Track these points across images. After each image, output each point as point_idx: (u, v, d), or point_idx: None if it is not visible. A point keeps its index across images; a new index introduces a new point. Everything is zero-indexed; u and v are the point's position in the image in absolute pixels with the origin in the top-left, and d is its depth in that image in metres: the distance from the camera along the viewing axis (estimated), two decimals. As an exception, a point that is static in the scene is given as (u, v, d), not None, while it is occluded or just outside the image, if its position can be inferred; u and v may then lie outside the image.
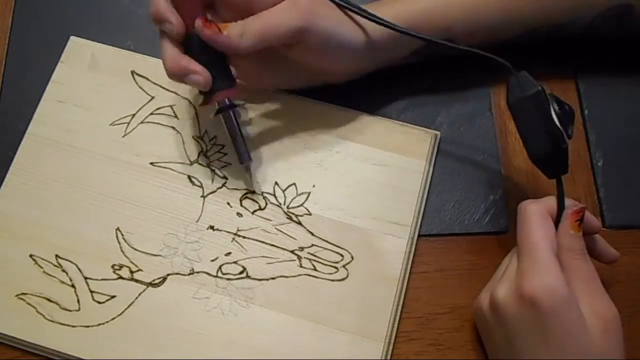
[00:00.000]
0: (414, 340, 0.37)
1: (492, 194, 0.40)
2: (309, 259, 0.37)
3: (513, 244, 0.36)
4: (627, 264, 0.38)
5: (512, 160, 0.41)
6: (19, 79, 0.42)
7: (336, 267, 0.37)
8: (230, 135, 0.37)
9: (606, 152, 0.41)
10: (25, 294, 0.37)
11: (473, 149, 0.41)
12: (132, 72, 0.42)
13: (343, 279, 0.37)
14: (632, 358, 0.35)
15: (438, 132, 0.41)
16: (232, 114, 0.37)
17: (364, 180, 0.39)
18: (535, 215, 0.33)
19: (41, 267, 0.37)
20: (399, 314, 0.37)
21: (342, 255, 0.37)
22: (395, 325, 0.36)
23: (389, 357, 0.36)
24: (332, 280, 0.37)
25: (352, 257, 0.37)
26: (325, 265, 0.37)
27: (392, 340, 0.36)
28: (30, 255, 0.38)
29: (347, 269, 0.37)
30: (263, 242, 0.38)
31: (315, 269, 0.37)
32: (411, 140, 0.40)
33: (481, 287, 0.36)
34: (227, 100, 0.37)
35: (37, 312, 0.36)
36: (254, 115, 0.41)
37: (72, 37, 0.43)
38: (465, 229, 0.39)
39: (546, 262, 0.31)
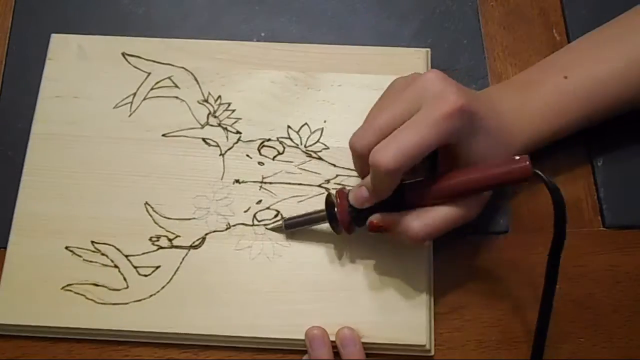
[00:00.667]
0: None
1: (492, 194, 0.39)
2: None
3: (513, 244, 0.38)
4: (627, 263, 0.38)
5: None
6: (18, 79, 0.42)
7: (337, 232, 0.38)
8: (307, 216, 0.37)
9: (606, 152, 0.40)
10: (70, 284, 0.37)
11: None
12: (123, 54, 0.42)
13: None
14: (633, 358, 0.36)
15: (428, 49, 0.42)
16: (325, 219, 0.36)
17: (370, 106, 0.40)
18: None
19: (80, 256, 0.38)
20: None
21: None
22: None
23: (432, 261, 0.38)
24: (365, 205, 0.38)
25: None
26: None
27: (431, 247, 0.38)
28: (66, 248, 0.38)
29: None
30: (289, 183, 0.39)
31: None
32: (405, 61, 0.41)
33: (481, 287, 0.37)
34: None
35: (87, 298, 0.37)
36: (252, 68, 0.41)
37: (53, 35, 0.43)
38: (465, 229, 0.38)
39: None
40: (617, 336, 0.37)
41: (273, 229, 0.38)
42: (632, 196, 0.39)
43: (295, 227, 0.37)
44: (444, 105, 0.31)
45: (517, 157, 0.32)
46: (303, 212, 0.37)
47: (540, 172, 0.31)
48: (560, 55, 0.39)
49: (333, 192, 0.36)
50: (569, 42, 0.43)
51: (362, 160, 0.33)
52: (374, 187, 0.32)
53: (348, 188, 0.36)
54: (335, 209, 0.34)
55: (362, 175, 0.35)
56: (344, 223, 0.35)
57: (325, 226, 0.36)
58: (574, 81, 0.36)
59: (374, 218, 0.33)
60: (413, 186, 0.33)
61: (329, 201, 0.35)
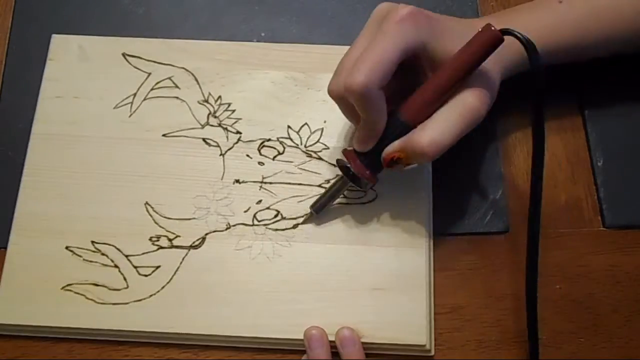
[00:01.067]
0: None
1: (492, 194, 0.40)
2: (337, 189, 0.39)
3: (513, 244, 0.38)
4: (627, 263, 0.38)
5: (512, 160, 0.41)
6: (18, 79, 0.42)
7: (364, 191, 0.39)
8: (329, 191, 0.37)
9: (606, 152, 0.40)
10: (70, 284, 0.37)
11: (473, 149, 0.40)
12: (124, 55, 0.42)
13: (373, 200, 0.38)
14: (633, 358, 0.36)
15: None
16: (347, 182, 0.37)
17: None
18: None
19: (80, 256, 0.38)
20: (431, 220, 0.38)
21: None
22: (431, 230, 0.38)
23: (431, 260, 0.38)
24: (363, 204, 0.38)
25: (377, 178, 0.39)
26: (353, 191, 0.39)
27: (431, 246, 0.38)
28: (67, 247, 0.38)
29: (374, 190, 0.39)
30: (289, 183, 0.39)
31: (345, 197, 0.38)
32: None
33: (481, 287, 0.37)
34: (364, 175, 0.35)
35: (87, 298, 0.37)
36: (252, 68, 0.42)
37: (53, 35, 0.43)
38: (465, 229, 0.39)
39: None
40: (617, 336, 0.37)
41: (305, 222, 0.38)
42: (632, 196, 0.39)
43: (324, 208, 0.37)
44: (394, 15, 0.32)
45: (481, 29, 0.32)
46: (297, 199, 0.38)
47: (511, 29, 0.31)
48: None
49: (341, 157, 0.36)
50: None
51: (345, 104, 0.34)
52: (364, 120, 0.33)
53: (349, 148, 0.36)
54: (350, 167, 0.35)
55: (355, 121, 0.35)
56: (364, 175, 0.35)
57: (326, 224, 0.36)
58: (568, 6, 0.36)
59: (384, 153, 0.34)
60: (405, 106, 0.33)
61: (341, 165, 0.36)
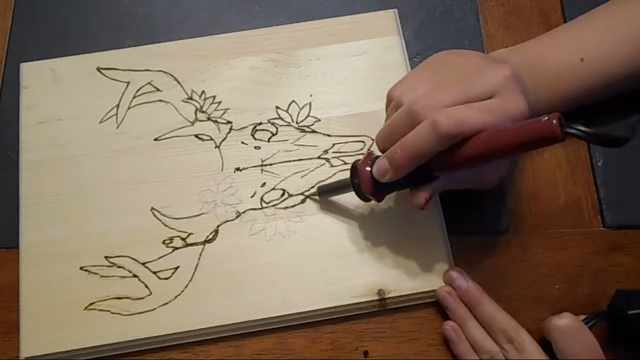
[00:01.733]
0: (414, 340, 0.37)
1: (492, 194, 0.39)
2: (337, 157, 0.39)
3: (513, 244, 0.38)
4: (627, 263, 0.38)
5: (512, 159, 0.40)
6: (18, 79, 0.42)
7: (363, 154, 0.39)
8: (336, 186, 0.37)
9: (606, 152, 0.40)
10: (92, 303, 0.37)
11: None
12: (98, 69, 0.42)
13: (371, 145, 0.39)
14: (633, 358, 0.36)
15: (395, 9, 0.43)
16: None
17: (352, 73, 0.41)
18: None
19: (96, 274, 0.38)
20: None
21: (363, 142, 0.40)
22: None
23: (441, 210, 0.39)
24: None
25: (373, 140, 0.40)
26: (353, 155, 0.39)
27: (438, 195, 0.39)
28: (81, 268, 0.38)
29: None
30: (289, 160, 0.40)
31: (345, 163, 0.39)
32: (376, 24, 0.42)
33: (482, 286, 0.36)
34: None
35: (113, 313, 0.37)
36: (230, 58, 0.42)
37: (22, 64, 0.42)
38: (465, 229, 0.39)
39: None
40: None
41: (310, 196, 0.38)
42: (632, 196, 0.39)
43: (327, 195, 0.38)
44: (514, 108, 0.31)
45: (546, 117, 0.29)
46: (300, 174, 0.38)
47: (572, 129, 0.28)
48: (575, 31, 0.38)
49: (332, 160, 0.36)
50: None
51: (404, 122, 0.32)
52: (409, 149, 0.31)
53: (376, 154, 0.35)
54: (359, 177, 0.34)
55: (391, 140, 0.33)
56: (371, 195, 0.34)
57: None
58: (590, 65, 0.36)
59: (419, 198, 0.33)
60: (439, 162, 0.32)
61: (354, 168, 0.35)
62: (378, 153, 0.34)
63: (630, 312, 0.34)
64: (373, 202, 0.36)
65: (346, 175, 0.36)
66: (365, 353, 0.36)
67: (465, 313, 0.36)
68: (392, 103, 0.34)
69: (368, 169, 0.34)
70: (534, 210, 0.39)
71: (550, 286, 0.38)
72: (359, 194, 0.35)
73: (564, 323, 0.33)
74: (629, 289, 0.36)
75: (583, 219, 0.39)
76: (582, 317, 0.34)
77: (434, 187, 0.33)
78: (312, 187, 0.39)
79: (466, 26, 0.44)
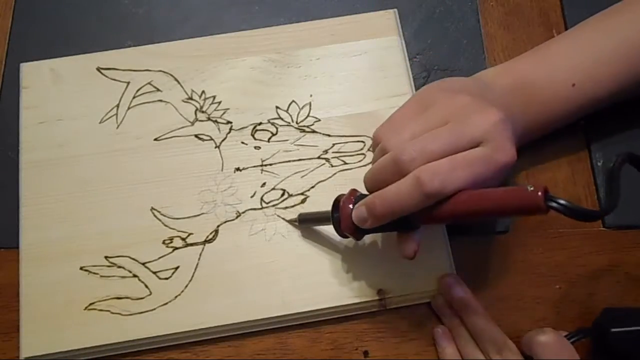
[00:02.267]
0: (414, 340, 0.37)
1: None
2: (336, 157, 0.39)
3: (513, 244, 0.38)
4: (627, 263, 0.38)
5: None
6: (18, 79, 0.42)
7: (363, 154, 0.39)
8: (317, 217, 0.37)
9: (606, 152, 0.40)
10: (92, 303, 0.37)
11: None
12: (98, 69, 0.42)
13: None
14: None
15: (395, 9, 0.43)
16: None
17: (352, 73, 0.41)
18: None
19: (96, 274, 0.38)
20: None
21: (363, 142, 0.40)
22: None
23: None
24: (365, 166, 0.39)
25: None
26: (352, 155, 0.39)
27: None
28: (81, 268, 0.38)
29: (372, 151, 0.39)
30: (289, 160, 0.40)
31: (345, 163, 0.39)
32: (376, 24, 0.42)
33: (481, 287, 0.36)
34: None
35: (113, 313, 0.37)
36: (230, 58, 0.42)
37: (21, 64, 0.42)
38: (465, 229, 0.38)
39: None
40: None
41: (290, 222, 0.38)
42: (632, 196, 0.38)
43: (308, 224, 0.37)
44: (503, 157, 0.31)
45: (531, 188, 0.28)
46: (316, 210, 0.37)
47: (555, 203, 0.28)
48: (566, 52, 0.38)
49: (332, 160, 0.36)
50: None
51: (390, 167, 0.32)
52: (389, 203, 0.31)
53: (360, 193, 0.34)
54: (338, 214, 0.33)
55: (376, 185, 0.33)
56: (350, 234, 0.34)
57: (328, 191, 0.36)
58: (580, 89, 0.36)
59: (411, 250, 0.33)
60: (419, 214, 0.31)
61: (336, 203, 0.34)
62: (364, 191, 0.34)
63: (613, 329, 0.33)
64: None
65: (344, 177, 0.35)
66: (365, 353, 0.36)
67: (455, 321, 0.36)
68: (378, 146, 0.33)
69: (350, 206, 0.33)
70: None
71: (550, 286, 0.37)
72: (337, 230, 0.35)
73: (546, 339, 0.33)
74: (617, 307, 0.36)
75: None
76: (565, 333, 0.34)
77: (421, 236, 0.33)
78: (306, 192, 0.38)
79: (466, 26, 0.44)
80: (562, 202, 0.28)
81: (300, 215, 0.38)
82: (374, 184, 0.32)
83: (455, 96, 0.33)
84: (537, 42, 0.41)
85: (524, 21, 0.44)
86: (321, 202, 0.38)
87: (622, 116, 0.40)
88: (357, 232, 0.33)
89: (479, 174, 0.30)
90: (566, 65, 0.37)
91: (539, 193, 0.28)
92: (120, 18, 0.44)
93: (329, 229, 0.37)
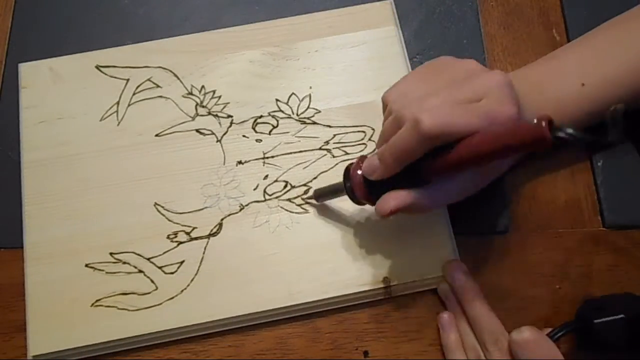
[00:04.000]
0: (414, 340, 0.37)
1: (492, 194, 0.39)
2: (338, 147, 0.40)
3: (513, 244, 0.38)
4: (627, 263, 0.38)
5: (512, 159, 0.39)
6: (18, 79, 0.42)
7: (364, 144, 0.40)
8: (330, 189, 0.37)
9: (606, 152, 0.40)
10: (98, 300, 0.37)
11: None
12: (97, 67, 0.42)
13: (374, 150, 0.39)
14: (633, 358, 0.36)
15: (391, 0, 0.44)
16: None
17: (351, 63, 0.41)
18: None
19: (102, 270, 0.38)
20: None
21: (364, 132, 0.40)
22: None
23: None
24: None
25: (373, 129, 0.40)
26: (354, 145, 0.40)
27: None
28: (86, 265, 0.38)
29: (373, 141, 0.40)
30: (291, 152, 0.40)
31: (346, 153, 0.39)
32: (373, 15, 0.43)
33: (481, 287, 0.36)
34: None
35: (119, 309, 0.37)
36: (228, 53, 0.42)
37: (20, 64, 0.43)
38: (465, 229, 0.38)
39: None
40: None
41: (308, 200, 0.38)
42: (632, 196, 0.39)
43: (323, 198, 0.37)
44: (502, 112, 0.31)
45: (535, 120, 0.27)
46: (302, 166, 0.38)
47: (562, 133, 0.27)
48: (575, 54, 0.38)
49: (334, 150, 0.36)
50: (568, 42, 0.42)
51: (395, 123, 0.32)
52: (394, 148, 0.31)
53: (370, 155, 0.34)
54: (354, 191, 0.34)
55: (382, 140, 0.34)
56: (365, 199, 0.34)
57: (330, 182, 0.36)
58: (591, 89, 0.36)
59: (387, 206, 0.32)
60: (426, 165, 0.32)
61: (347, 172, 0.35)
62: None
63: (596, 320, 0.33)
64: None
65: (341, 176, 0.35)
66: (365, 353, 0.36)
67: (457, 308, 0.36)
68: (386, 108, 0.34)
69: (360, 172, 0.34)
70: (534, 210, 0.39)
71: (550, 286, 0.37)
72: (352, 198, 0.35)
73: (522, 337, 0.33)
74: (597, 296, 0.36)
75: (583, 219, 0.39)
76: (548, 330, 0.34)
77: (410, 197, 0.32)
78: (309, 183, 0.39)
79: (466, 26, 0.44)
80: (568, 130, 0.27)
81: (315, 191, 0.38)
82: (382, 143, 0.33)
83: (462, 62, 0.33)
84: (537, 42, 0.41)
85: (524, 21, 0.44)
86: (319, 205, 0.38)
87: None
88: (371, 195, 0.34)
89: (477, 124, 0.30)
90: (576, 65, 0.37)
91: (543, 123, 0.27)
92: (120, 18, 0.44)
93: (331, 216, 0.38)
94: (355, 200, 0.35)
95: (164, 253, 0.38)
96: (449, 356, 0.36)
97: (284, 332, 0.37)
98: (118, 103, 0.41)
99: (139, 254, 0.38)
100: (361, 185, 0.34)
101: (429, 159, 0.31)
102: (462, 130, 0.30)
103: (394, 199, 0.32)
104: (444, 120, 0.30)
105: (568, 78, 0.37)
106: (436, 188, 0.33)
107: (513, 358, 0.33)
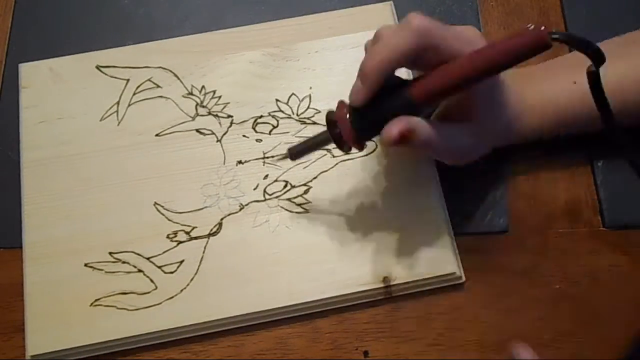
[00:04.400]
0: (413, 340, 0.37)
1: (492, 194, 0.39)
2: (338, 148, 0.40)
3: (513, 244, 0.38)
4: (627, 263, 0.38)
5: (512, 159, 0.40)
6: (18, 80, 0.42)
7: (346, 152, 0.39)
8: (311, 141, 0.35)
9: (606, 152, 0.40)
10: (98, 299, 0.37)
11: None
12: (97, 67, 0.42)
13: (374, 151, 0.40)
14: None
15: (391, 1, 0.44)
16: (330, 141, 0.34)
17: (351, 64, 0.41)
18: None
19: (101, 270, 0.37)
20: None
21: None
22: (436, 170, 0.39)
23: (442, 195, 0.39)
24: (366, 155, 0.39)
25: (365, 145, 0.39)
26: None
27: (437, 179, 0.39)
28: (86, 265, 0.38)
29: (373, 141, 0.40)
30: (291, 152, 0.40)
31: (346, 153, 0.39)
32: (373, 16, 0.43)
33: (481, 287, 0.36)
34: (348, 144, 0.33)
35: (118, 308, 0.36)
36: (228, 53, 0.42)
37: (20, 64, 0.43)
38: (465, 229, 0.39)
39: None
40: (617, 336, 0.36)
41: (279, 160, 0.37)
42: (632, 196, 0.39)
43: (301, 155, 0.36)
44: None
45: (532, 27, 0.29)
46: (302, 166, 0.37)
47: (558, 35, 0.28)
48: (567, 59, 0.38)
49: (334, 150, 0.36)
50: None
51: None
52: (380, 50, 0.31)
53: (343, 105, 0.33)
54: (338, 129, 0.32)
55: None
56: (349, 136, 0.32)
57: (334, 183, 0.36)
58: (581, 87, 0.35)
59: (392, 130, 0.31)
60: (416, 83, 0.31)
61: (329, 119, 0.33)
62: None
63: None
64: (373, 189, 0.37)
65: (346, 168, 0.35)
66: (365, 353, 0.36)
67: None
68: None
69: (346, 111, 0.32)
70: (534, 210, 0.39)
71: (550, 286, 0.37)
72: (339, 145, 0.33)
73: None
74: None
75: (583, 219, 0.39)
76: None
77: (415, 121, 0.31)
78: (309, 183, 0.38)
79: None
80: (563, 32, 0.28)
81: (290, 149, 0.35)
82: None
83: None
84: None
85: (524, 21, 0.44)
86: (324, 193, 0.39)
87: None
88: (359, 138, 0.32)
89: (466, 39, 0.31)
90: (567, 65, 0.37)
91: (542, 28, 0.28)
92: (120, 18, 0.45)
93: (331, 216, 0.38)
94: (342, 146, 0.33)
95: (164, 252, 0.38)
96: None
97: (284, 332, 0.37)
98: (118, 103, 0.41)
99: (138, 254, 0.38)
100: (349, 129, 0.32)
101: (420, 82, 0.31)
102: (449, 37, 0.30)
103: (397, 123, 0.31)
104: (435, 25, 0.30)
105: (559, 75, 0.37)
106: (440, 125, 0.33)
107: None
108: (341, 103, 0.33)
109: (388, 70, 0.31)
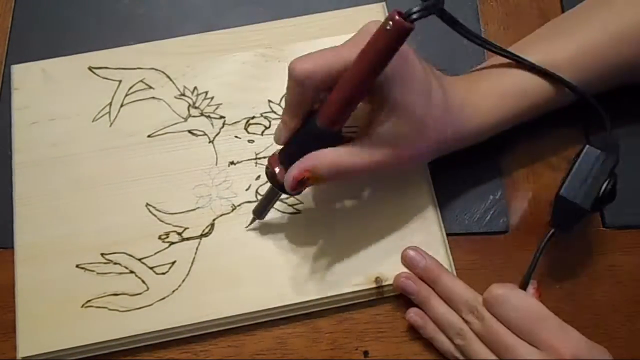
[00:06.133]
0: (413, 340, 0.37)
1: (492, 194, 0.40)
2: (330, 148, 0.40)
3: (513, 244, 0.38)
4: (627, 263, 0.38)
5: (512, 159, 0.41)
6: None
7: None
8: (265, 199, 0.37)
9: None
10: (89, 300, 0.37)
11: (472, 149, 0.38)
12: (90, 68, 0.42)
13: None
14: (634, 358, 0.36)
15: (384, 2, 0.44)
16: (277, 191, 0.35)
17: (342, 65, 0.42)
18: None
19: (92, 271, 0.37)
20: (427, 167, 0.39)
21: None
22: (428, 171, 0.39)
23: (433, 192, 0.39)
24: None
25: None
26: (346, 146, 0.40)
27: (430, 179, 0.39)
28: (77, 266, 0.37)
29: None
30: (283, 153, 0.40)
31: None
32: (365, 17, 0.42)
33: (481, 287, 0.35)
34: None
35: (110, 309, 0.36)
36: (221, 54, 0.42)
37: (12, 66, 0.43)
38: (465, 229, 0.39)
39: None
40: (617, 336, 0.37)
41: (249, 226, 0.38)
42: (632, 196, 0.39)
43: (265, 212, 0.37)
44: (365, 30, 0.32)
45: (390, 23, 0.29)
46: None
47: (414, 14, 0.28)
48: (537, 37, 0.39)
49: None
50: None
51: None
52: (286, 106, 0.33)
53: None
54: (276, 175, 0.34)
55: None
56: (292, 186, 0.33)
57: (335, 183, 0.36)
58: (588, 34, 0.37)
59: (288, 177, 0.32)
60: (321, 109, 0.32)
61: (268, 172, 0.35)
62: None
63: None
64: (365, 189, 0.37)
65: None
66: (365, 353, 0.36)
67: (427, 292, 0.36)
68: None
69: (276, 153, 0.34)
70: (534, 210, 0.39)
71: (550, 286, 0.38)
72: (281, 188, 0.34)
73: (491, 295, 0.33)
74: None
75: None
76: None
77: (315, 157, 0.32)
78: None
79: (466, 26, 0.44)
80: (417, 8, 0.28)
81: (253, 211, 0.37)
82: None
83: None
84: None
85: (524, 21, 0.45)
86: (314, 194, 0.39)
87: (623, 115, 0.40)
88: (299, 183, 0.33)
89: (347, 54, 0.31)
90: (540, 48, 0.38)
91: (396, 17, 0.28)
92: (120, 18, 0.45)
93: (323, 217, 0.38)
94: (289, 192, 0.34)
95: (156, 253, 0.38)
96: (437, 345, 0.35)
97: (284, 332, 0.37)
98: (110, 104, 0.41)
99: (130, 255, 0.38)
100: (280, 169, 0.33)
101: (321, 110, 0.32)
102: (331, 62, 0.31)
103: (295, 167, 0.32)
104: (313, 57, 0.32)
105: (509, 72, 0.38)
106: (360, 140, 0.33)
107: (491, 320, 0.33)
108: (272, 155, 0.35)
109: (297, 112, 0.33)
